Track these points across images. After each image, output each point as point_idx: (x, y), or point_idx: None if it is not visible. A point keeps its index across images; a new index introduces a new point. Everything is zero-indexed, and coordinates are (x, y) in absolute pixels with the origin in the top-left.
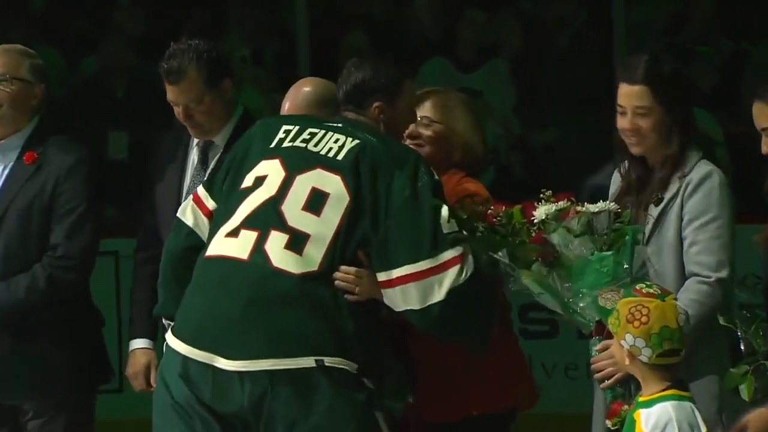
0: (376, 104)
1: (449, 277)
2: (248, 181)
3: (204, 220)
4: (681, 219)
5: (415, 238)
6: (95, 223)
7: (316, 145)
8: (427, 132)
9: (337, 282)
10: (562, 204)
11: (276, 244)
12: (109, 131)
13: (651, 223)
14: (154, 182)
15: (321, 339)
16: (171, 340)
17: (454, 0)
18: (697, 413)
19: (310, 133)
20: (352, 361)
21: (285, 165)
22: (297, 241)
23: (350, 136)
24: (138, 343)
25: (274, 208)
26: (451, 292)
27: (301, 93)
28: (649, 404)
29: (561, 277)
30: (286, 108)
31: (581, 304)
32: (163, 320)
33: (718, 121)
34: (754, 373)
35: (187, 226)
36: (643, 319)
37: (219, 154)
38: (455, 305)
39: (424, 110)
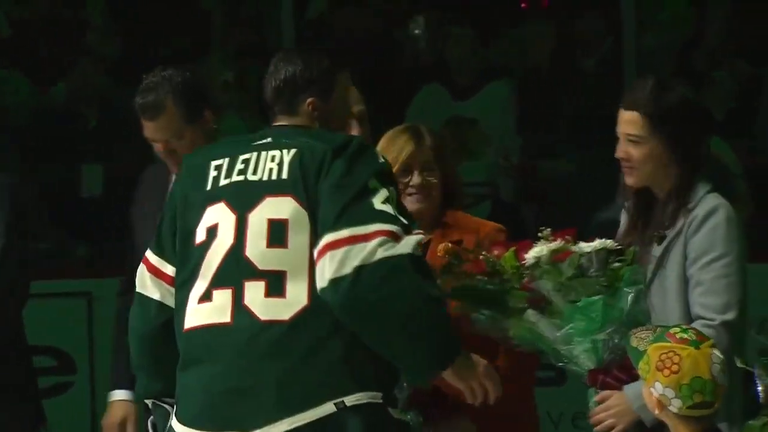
0: (308, 100)
1: (366, 250)
2: (201, 234)
3: (169, 289)
4: (685, 258)
5: (341, 209)
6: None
7: (254, 172)
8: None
9: None
10: (555, 244)
11: (255, 295)
12: (82, 165)
13: (654, 263)
14: (136, 220)
15: (334, 378)
16: (177, 427)
17: (449, 20)
18: None
19: (244, 161)
20: (376, 390)
21: (231, 206)
22: (276, 284)
23: (285, 148)
24: (118, 395)
25: (239, 257)
26: (362, 268)
27: None
28: None
29: (553, 324)
30: None
31: (574, 353)
32: (149, 402)
33: (734, 150)
34: None
35: (154, 300)
36: (674, 367)
37: None
38: (368, 288)
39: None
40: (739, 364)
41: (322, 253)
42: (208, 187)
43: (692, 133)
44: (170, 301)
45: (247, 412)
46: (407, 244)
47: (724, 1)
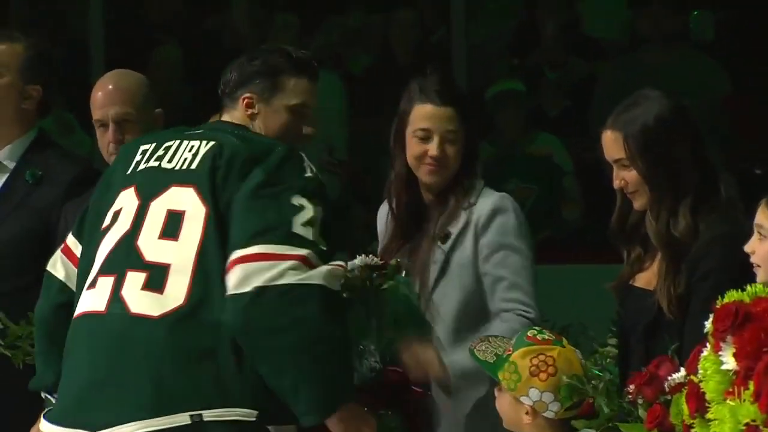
0: (243, 95)
1: (273, 270)
2: (108, 218)
3: (75, 271)
4: (476, 254)
5: (258, 223)
6: None
7: (170, 160)
8: None
9: None
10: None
11: (133, 286)
12: None
13: (440, 262)
14: None
15: (197, 389)
16: (43, 425)
17: (271, 4)
18: None
19: (165, 148)
20: (249, 408)
21: (138, 193)
22: (156, 278)
23: (206, 139)
24: None
25: (130, 244)
26: (265, 289)
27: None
28: None
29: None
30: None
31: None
32: (43, 394)
33: (568, 147)
34: None
35: (58, 279)
36: (550, 369)
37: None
38: (266, 311)
39: None
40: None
41: (230, 266)
42: (129, 171)
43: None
44: (73, 284)
45: (99, 410)
46: (320, 273)
47: None
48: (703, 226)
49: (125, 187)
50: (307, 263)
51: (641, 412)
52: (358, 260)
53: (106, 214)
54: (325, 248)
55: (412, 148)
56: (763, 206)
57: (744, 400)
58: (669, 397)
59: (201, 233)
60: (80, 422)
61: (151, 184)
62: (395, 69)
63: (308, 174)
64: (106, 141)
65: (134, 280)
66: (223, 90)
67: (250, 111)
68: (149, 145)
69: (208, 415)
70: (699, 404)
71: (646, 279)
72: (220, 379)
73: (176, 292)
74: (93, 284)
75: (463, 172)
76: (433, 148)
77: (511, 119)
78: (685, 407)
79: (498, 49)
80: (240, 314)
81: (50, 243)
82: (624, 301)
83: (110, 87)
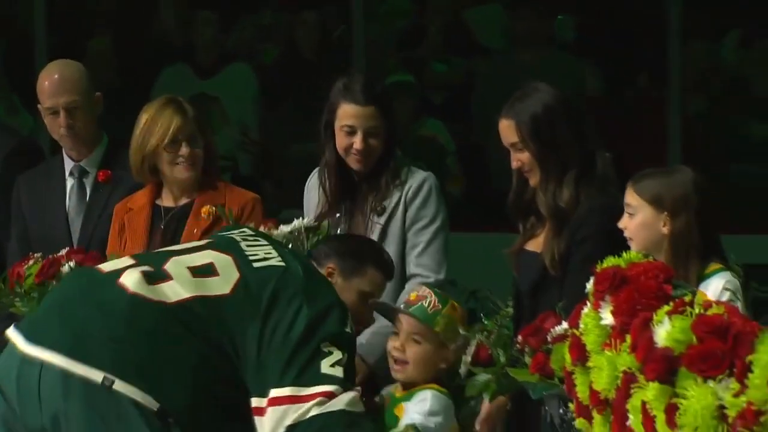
0: (329, 266)
1: (301, 410)
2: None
3: None
4: (404, 224)
5: (290, 365)
6: None
7: (249, 246)
8: None
9: None
10: (263, 231)
11: (137, 269)
12: None
13: (378, 230)
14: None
15: (125, 360)
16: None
17: (194, 2)
18: None
19: (255, 239)
20: (156, 400)
21: (210, 242)
22: (155, 276)
23: (281, 257)
24: None
25: (167, 256)
26: (295, 428)
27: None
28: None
29: None
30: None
31: None
32: None
33: (451, 131)
34: (496, 381)
35: None
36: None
37: None
38: None
39: None
40: (462, 332)
41: (265, 407)
42: (221, 233)
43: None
44: None
45: (44, 330)
46: (341, 400)
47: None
48: (583, 197)
49: (208, 238)
50: (330, 396)
51: (527, 359)
52: (296, 222)
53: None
54: (350, 383)
55: (341, 140)
56: (629, 187)
57: (621, 351)
58: (551, 347)
59: (206, 293)
60: (23, 328)
61: (221, 244)
62: (300, 61)
63: (348, 330)
64: (57, 125)
65: (140, 268)
66: (315, 252)
67: (330, 277)
68: (250, 230)
69: (120, 385)
70: (580, 354)
71: (536, 244)
72: (149, 365)
73: (162, 291)
74: (119, 257)
75: (388, 157)
76: (358, 141)
77: (402, 107)
78: (567, 356)
79: (391, 45)
80: None
81: None
82: (517, 264)
83: (56, 77)
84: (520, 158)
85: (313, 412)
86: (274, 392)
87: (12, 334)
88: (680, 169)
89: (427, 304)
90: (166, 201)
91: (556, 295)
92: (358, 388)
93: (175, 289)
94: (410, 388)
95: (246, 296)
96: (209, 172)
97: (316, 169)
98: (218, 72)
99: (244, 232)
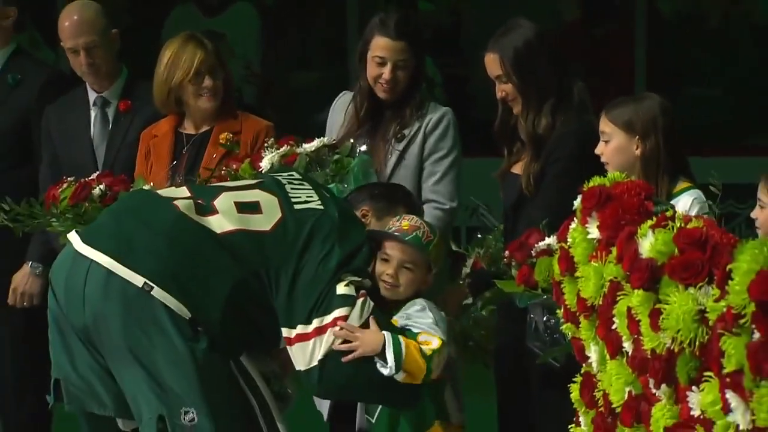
0: (364, 208)
1: (326, 341)
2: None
3: None
4: (422, 153)
5: (314, 302)
6: None
7: (293, 188)
8: None
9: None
10: (284, 149)
11: (191, 200)
12: None
13: (395, 156)
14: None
15: (166, 270)
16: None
17: None
18: None
19: (300, 182)
20: (189, 310)
21: (259, 182)
22: (205, 209)
23: (321, 200)
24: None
25: (219, 190)
26: (326, 359)
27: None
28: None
29: None
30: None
31: None
32: None
33: (437, 64)
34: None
35: None
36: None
37: None
38: (334, 373)
39: None
40: (453, 247)
41: (293, 341)
42: (272, 172)
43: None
44: None
45: (98, 233)
46: (354, 315)
47: None
48: (559, 123)
49: (257, 178)
50: (346, 320)
51: (513, 271)
52: (316, 141)
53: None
54: (362, 284)
55: (371, 69)
56: (603, 116)
57: (608, 262)
58: (535, 260)
59: (246, 227)
60: (82, 234)
61: (268, 185)
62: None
63: (369, 268)
64: (78, 63)
65: (194, 202)
66: (352, 199)
67: (363, 220)
68: (297, 174)
69: (157, 292)
70: (568, 265)
71: (520, 167)
72: (189, 279)
73: (208, 221)
74: (177, 185)
75: (413, 90)
76: (386, 72)
77: None
78: (556, 267)
79: None
80: (318, 383)
81: (27, 134)
82: (503, 184)
83: (75, 18)
84: (504, 89)
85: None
86: (300, 329)
87: (71, 235)
88: (648, 96)
89: (421, 234)
90: (188, 128)
91: (532, 211)
92: (367, 280)
93: (221, 222)
94: (397, 305)
95: (285, 235)
96: (227, 102)
97: (343, 92)
98: (224, 11)
99: (292, 175)
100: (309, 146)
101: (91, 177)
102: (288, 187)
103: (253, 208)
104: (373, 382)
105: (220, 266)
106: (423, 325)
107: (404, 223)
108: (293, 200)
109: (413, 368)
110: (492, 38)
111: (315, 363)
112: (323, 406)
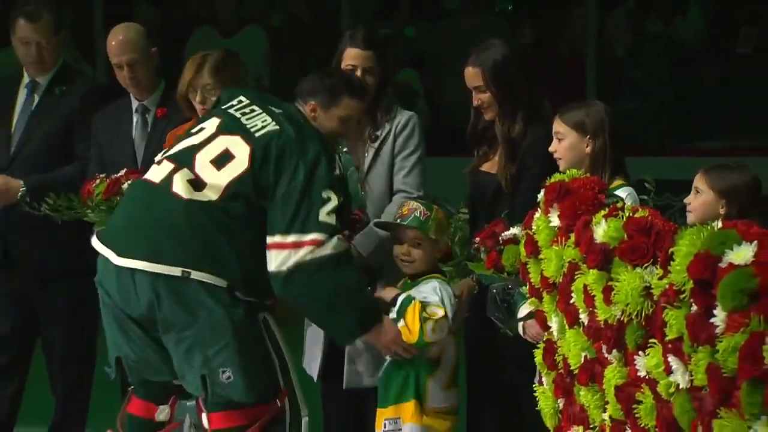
0: (311, 103)
1: (298, 255)
2: (196, 128)
3: None
4: (393, 150)
5: (293, 214)
6: None
7: (249, 119)
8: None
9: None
10: None
11: (182, 177)
12: None
13: (372, 153)
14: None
15: (194, 254)
16: (93, 240)
17: None
18: None
19: (251, 109)
20: (224, 279)
21: (219, 125)
22: (198, 185)
23: (275, 121)
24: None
25: (193, 152)
26: (294, 271)
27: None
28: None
29: None
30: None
31: None
32: None
33: (420, 78)
34: (456, 271)
35: None
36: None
37: None
38: (297, 284)
39: None
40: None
41: (270, 247)
42: (224, 106)
43: (390, 68)
44: None
45: (125, 242)
46: (328, 245)
47: None
48: (530, 131)
49: (216, 115)
50: (322, 244)
51: (483, 256)
52: None
53: (200, 124)
54: (340, 227)
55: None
56: (557, 118)
57: (567, 246)
58: (502, 247)
59: (233, 177)
60: (111, 245)
61: (228, 126)
62: (301, 26)
63: (337, 172)
64: (123, 77)
65: (185, 174)
66: (299, 91)
67: (312, 114)
68: (246, 99)
69: (195, 274)
70: (533, 249)
71: (490, 166)
72: (209, 252)
73: (207, 195)
74: (159, 162)
75: (382, 95)
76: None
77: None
78: (522, 250)
79: (371, 10)
80: (281, 288)
81: (70, 138)
82: (474, 181)
83: (120, 38)
84: (481, 98)
85: (308, 258)
86: (279, 238)
87: (101, 248)
88: (595, 102)
89: (419, 215)
90: None
91: (509, 206)
92: (346, 232)
93: (214, 189)
94: (415, 278)
95: (262, 162)
96: None
97: None
98: (238, 32)
99: (242, 102)
100: None
101: (120, 174)
102: (243, 119)
103: (226, 158)
104: (324, 304)
105: (232, 230)
106: (431, 301)
107: (404, 209)
108: (252, 130)
109: (408, 320)
110: (471, 54)
111: (284, 269)
112: (313, 369)
